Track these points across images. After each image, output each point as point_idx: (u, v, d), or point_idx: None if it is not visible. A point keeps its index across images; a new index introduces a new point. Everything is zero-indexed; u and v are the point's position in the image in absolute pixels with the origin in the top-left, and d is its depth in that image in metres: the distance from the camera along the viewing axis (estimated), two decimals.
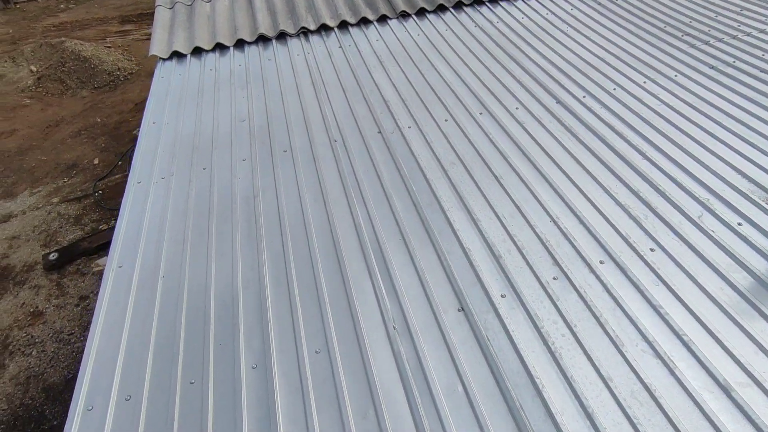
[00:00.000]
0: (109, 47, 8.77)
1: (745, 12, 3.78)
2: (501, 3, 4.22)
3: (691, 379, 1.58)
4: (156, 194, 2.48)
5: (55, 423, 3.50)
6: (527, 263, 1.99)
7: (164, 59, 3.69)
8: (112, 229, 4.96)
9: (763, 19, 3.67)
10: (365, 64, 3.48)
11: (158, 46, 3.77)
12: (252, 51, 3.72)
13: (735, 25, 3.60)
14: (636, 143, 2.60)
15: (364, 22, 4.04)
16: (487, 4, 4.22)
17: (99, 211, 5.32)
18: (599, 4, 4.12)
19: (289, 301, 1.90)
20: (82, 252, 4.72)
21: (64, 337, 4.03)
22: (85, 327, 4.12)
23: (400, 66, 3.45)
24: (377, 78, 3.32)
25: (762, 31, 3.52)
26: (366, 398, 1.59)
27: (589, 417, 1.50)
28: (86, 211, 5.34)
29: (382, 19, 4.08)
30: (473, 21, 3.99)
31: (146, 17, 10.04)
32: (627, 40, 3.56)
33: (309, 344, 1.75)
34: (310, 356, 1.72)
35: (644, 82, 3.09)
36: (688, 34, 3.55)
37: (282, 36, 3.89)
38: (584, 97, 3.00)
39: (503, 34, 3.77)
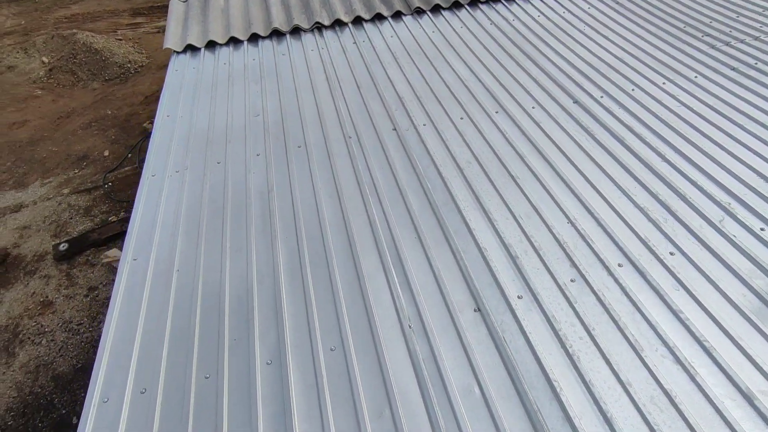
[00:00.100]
0: (120, 40, 8.79)
1: (767, 12, 3.70)
2: (517, 1, 4.17)
3: (712, 386, 1.55)
4: (170, 187, 2.48)
5: (63, 412, 3.52)
6: (544, 264, 1.97)
7: (178, 52, 3.69)
8: (122, 220, 5.00)
9: None
10: (380, 60, 3.46)
11: (172, 40, 3.76)
12: (266, 45, 3.70)
13: (757, 25, 3.53)
14: (655, 145, 2.56)
15: (378, 17, 4.02)
16: (503, 2, 4.17)
17: (109, 202, 5.34)
18: (617, 3, 4.06)
19: (304, 297, 1.89)
20: (92, 243, 4.74)
21: (73, 327, 4.06)
22: (94, 317, 4.14)
23: (414, 63, 3.42)
24: (392, 74, 3.29)
25: None
26: (381, 397, 1.58)
27: (608, 422, 1.48)
28: (96, 202, 5.36)
29: (397, 15, 4.04)
30: (489, 18, 3.95)
31: (157, 10, 10.04)
32: (646, 40, 3.51)
33: (324, 341, 1.74)
34: (325, 353, 1.71)
35: (663, 83, 3.04)
36: (709, 35, 3.49)
37: (296, 31, 3.87)
38: (602, 97, 2.96)
39: (519, 32, 3.72)
